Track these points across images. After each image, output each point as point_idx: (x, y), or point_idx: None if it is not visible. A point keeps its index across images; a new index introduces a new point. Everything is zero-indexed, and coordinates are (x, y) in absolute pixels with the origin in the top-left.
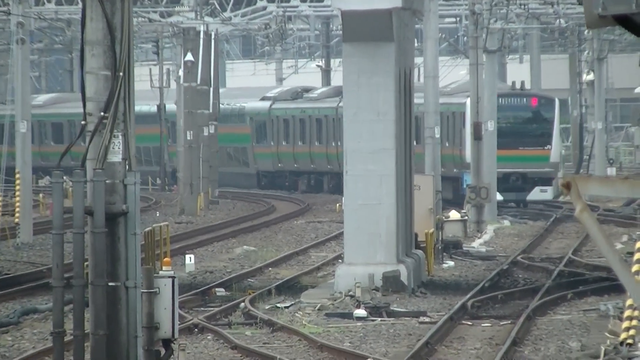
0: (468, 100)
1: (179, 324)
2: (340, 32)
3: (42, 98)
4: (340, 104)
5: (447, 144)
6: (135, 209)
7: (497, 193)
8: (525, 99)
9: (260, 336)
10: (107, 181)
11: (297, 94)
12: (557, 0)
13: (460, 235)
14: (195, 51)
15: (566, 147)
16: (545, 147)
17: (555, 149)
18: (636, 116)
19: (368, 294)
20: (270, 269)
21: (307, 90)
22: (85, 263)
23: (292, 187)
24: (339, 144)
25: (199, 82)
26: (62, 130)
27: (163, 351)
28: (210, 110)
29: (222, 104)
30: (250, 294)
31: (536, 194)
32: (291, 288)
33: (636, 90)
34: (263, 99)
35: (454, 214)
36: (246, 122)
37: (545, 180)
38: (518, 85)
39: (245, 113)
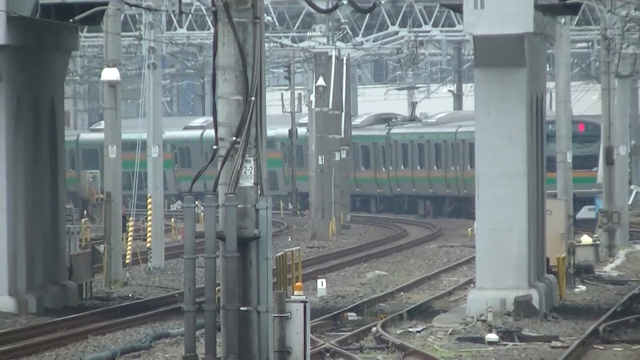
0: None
1: (311, 349)
2: (472, 56)
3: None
4: (392, 131)
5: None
6: (267, 234)
7: None
8: (573, 125)
9: None
10: (239, 206)
11: None
12: None
13: (592, 259)
14: (326, 76)
15: None
16: (593, 170)
17: (602, 170)
18: None
19: (500, 318)
20: (401, 293)
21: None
22: (217, 288)
23: None
24: (390, 169)
25: (330, 106)
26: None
27: None
28: (342, 135)
29: None
30: (382, 318)
31: (584, 212)
32: (423, 312)
33: None
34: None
35: (585, 239)
36: (276, 148)
37: (593, 200)
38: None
39: (275, 139)
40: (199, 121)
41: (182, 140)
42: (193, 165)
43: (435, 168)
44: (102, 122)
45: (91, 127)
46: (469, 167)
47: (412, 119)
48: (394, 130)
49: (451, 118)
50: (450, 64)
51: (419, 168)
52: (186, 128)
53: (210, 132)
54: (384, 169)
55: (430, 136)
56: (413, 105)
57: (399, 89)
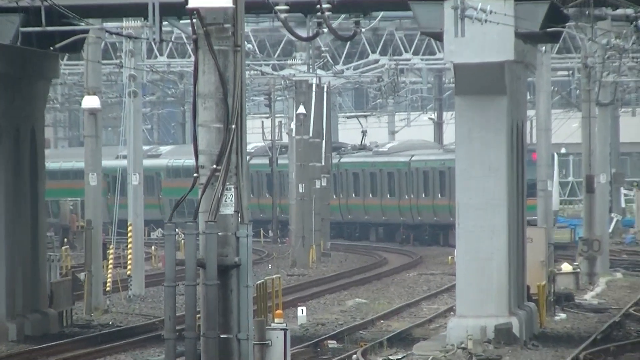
0: None
1: None
2: (453, 84)
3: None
4: (342, 160)
5: (439, 196)
6: (247, 261)
7: None
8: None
9: None
10: (219, 233)
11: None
12: None
13: (572, 287)
14: (307, 104)
15: None
16: None
17: (555, 198)
18: None
19: (480, 346)
20: (382, 321)
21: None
22: (198, 315)
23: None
24: (340, 196)
25: (310, 134)
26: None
27: None
28: (323, 163)
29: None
30: (362, 346)
31: None
32: (403, 340)
33: None
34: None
35: (566, 267)
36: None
37: None
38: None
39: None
40: None
41: (115, 169)
42: (125, 192)
43: (388, 196)
44: None
45: None
46: (423, 195)
47: (362, 147)
48: (344, 159)
49: (403, 147)
50: (430, 92)
51: (370, 196)
52: (118, 157)
53: (143, 162)
54: (334, 197)
55: (383, 165)
56: (363, 134)
57: (348, 117)
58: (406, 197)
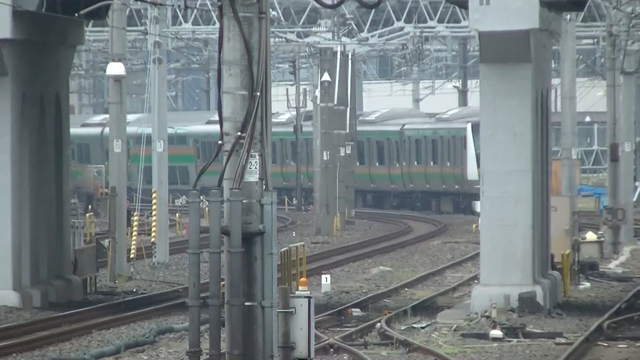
0: (468, 126)
1: (315, 344)
2: (477, 52)
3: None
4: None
5: (448, 164)
6: (271, 229)
7: None
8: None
9: (396, 356)
10: (243, 201)
11: None
12: None
13: (596, 256)
14: (332, 71)
15: None
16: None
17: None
18: None
19: (504, 314)
20: (406, 289)
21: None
22: (222, 283)
23: None
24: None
25: (335, 102)
26: None
27: None
28: (347, 131)
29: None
30: (386, 314)
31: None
32: (427, 308)
33: None
34: (208, 122)
35: (590, 236)
36: (189, 144)
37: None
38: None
39: (188, 136)
40: (97, 119)
41: (81, 136)
42: (92, 161)
43: (377, 164)
44: None
45: None
46: (415, 163)
47: None
48: None
49: (390, 116)
50: (455, 60)
51: (357, 164)
52: (84, 125)
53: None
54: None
55: (371, 134)
56: None
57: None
58: (397, 165)
